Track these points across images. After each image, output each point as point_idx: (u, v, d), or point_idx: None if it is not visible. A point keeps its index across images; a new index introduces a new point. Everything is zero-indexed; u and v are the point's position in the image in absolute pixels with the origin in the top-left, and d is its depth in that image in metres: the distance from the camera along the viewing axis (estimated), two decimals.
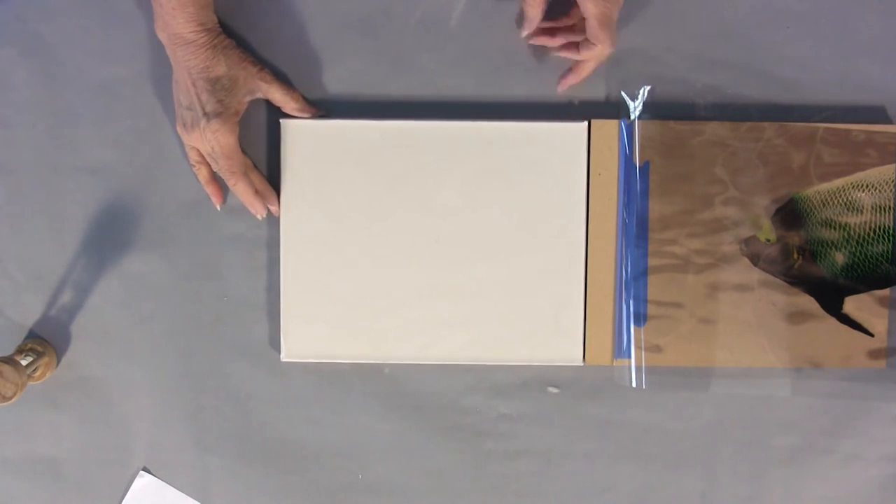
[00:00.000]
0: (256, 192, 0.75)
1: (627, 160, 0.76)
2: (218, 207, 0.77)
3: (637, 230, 0.76)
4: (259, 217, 0.77)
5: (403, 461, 0.79)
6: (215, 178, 0.76)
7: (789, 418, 0.78)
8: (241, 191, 0.75)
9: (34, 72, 0.77)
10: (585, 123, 0.76)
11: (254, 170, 0.76)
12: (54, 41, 0.77)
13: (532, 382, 0.78)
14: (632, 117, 0.76)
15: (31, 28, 0.77)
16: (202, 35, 0.71)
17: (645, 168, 0.76)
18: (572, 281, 0.76)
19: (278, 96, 0.75)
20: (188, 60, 0.71)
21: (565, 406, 0.78)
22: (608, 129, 0.76)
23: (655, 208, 0.76)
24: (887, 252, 0.76)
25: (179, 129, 0.74)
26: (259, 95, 0.75)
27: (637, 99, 0.76)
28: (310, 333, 0.77)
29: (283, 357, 0.77)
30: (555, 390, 0.78)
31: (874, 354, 0.76)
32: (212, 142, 0.72)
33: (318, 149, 0.76)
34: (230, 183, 0.74)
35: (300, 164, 0.76)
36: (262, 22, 0.76)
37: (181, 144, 0.77)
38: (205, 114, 0.71)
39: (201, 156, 0.75)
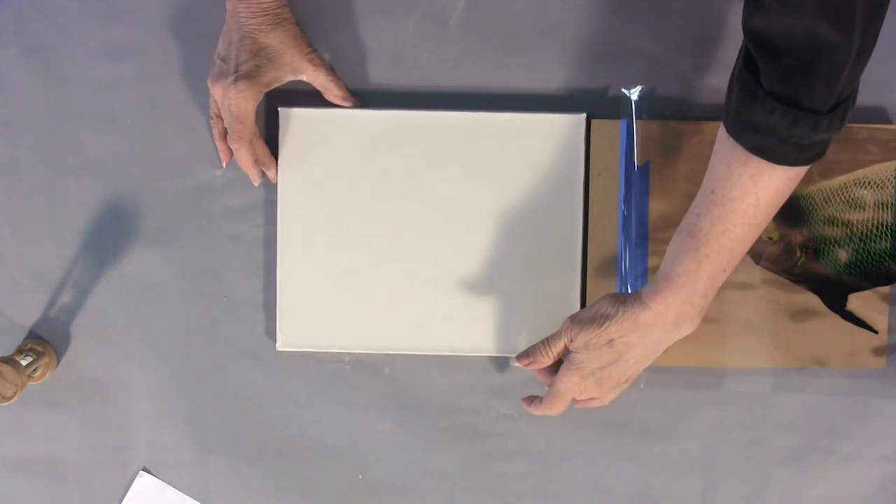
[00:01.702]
0: (256, 161, 0.75)
1: (628, 160, 0.76)
2: (223, 165, 0.77)
3: (638, 230, 0.76)
4: (255, 184, 0.76)
5: (403, 461, 0.79)
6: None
7: (789, 418, 0.78)
8: (243, 157, 0.74)
9: (34, 72, 0.77)
10: (584, 115, 0.76)
11: (259, 138, 0.75)
12: (54, 41, 0.77)
13: (532, 382, 0.78)
14: (632, 117, 0.76)
15: (31, 28, 0.77)
16: None
17: (645, 168, 0.76)
18: (570, 270, 0.76)
19: (322, 81, 0.75)
20: (245, 17, 0.70)
21: None
22: (608, 128, 0.76)
23: (656, 208, 0.76)
24: (890, 248, 0.76)
25: (210, 78, 0.73)
26: (303, 77, 0.75)
27: (637, 98, 0.76)
28: (306, 323, 0.77)
29: (279, 346, 0.77)
30: None
31: (878, 351, 0.76)
32: (232, 100, 0.71)
33: (316, 138, 0.76)
34: (233, 146, 0.73)
35: (297, 153, 0.76)
36: None
37: (181, 143, 0.77)
38: (236, 71, 0.71)
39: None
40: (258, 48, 0.71)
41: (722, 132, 0.62)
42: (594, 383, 0.68)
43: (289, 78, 0.74)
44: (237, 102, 0.71)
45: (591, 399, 0.70)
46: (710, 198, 0.63)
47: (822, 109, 0.57)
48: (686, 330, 0.67)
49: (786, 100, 0.57)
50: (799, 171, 0.61)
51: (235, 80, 0.71)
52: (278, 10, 0.71)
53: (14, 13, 0.77)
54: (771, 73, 0.57)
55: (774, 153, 0.59)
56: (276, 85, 0.74)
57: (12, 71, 0.78)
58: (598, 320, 0.67)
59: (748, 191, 0.61)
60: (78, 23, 0.77)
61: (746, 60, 0.59)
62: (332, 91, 0.76)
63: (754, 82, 0.58)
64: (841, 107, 0.58)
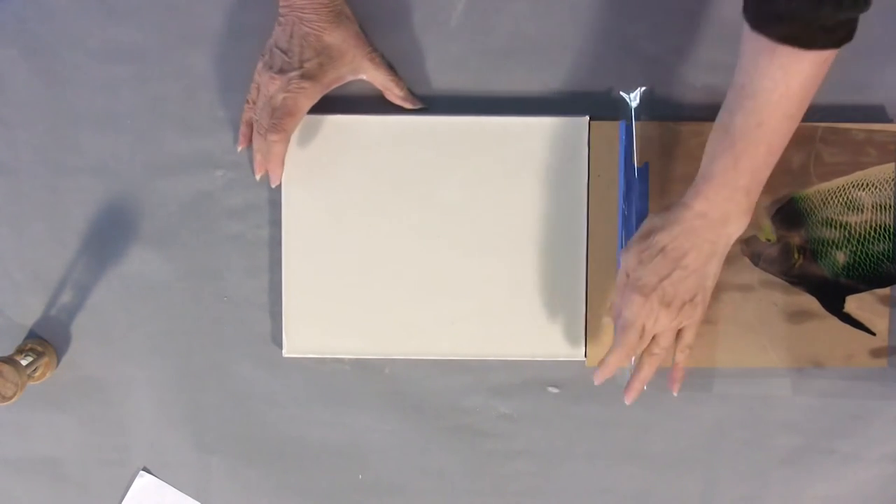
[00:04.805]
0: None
1: (627, 161, 0.76)
2: (238, 149, 0.77)
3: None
4: (256, 177, 0.75)
5: (403, 461, 0.79)
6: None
7: (789, 418, 0.78)
8: (277, 151, 0.72)
9: (34, 72, 0.77)
10: (587, 118, 0.76)
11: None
12: (54, 41, 0.77)
13: (532, 382, 0.78)
14: (631, 118, 0.76)
15: (31, 28, 0.77)
16: None
17: (644, 169, 0.76)
18: (574, 275, 0.76)
19: (383, 81, 0.75)
20: (306, 15, 0.70)
21: (565, 406, 0.78)
22: (607, 130, 0.76)
23: (655, 209, 0.76)
24: (888, 251, 0.76)
25: (260, 65, 0.72)
26: (363, 76, 0.74)
27: (635, 100, 0.76)
28: (312, 329, 0.77)
29: (286, 352, 0.77)
30: (555, 390, 0.78)
31: (876, 353, 0.76)
32: (290, 94, 0.70)
33: (320, 144, 0.76)
34: (273, 138, 0.72)
35: (301, 159, 0.76)
36: (264, 22, 0.76)
37: (181, 143, 0.78)
38: (301, 68, 0.70)
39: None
40: (322, 46, 0.71)
41: (746, 30, 0.62)
42: (659, 303, 0.67)
43: (349, 78, 0.74)
44: (296, 97, 0.70)
45: (673, 335, 0.69)
46: (741, 92, 0.62)
47: None
48: (734, 229, 0.66)
49: None
50: (827, 56, 0.61)
51: (301, 77, 0.70)
52: (340, 8, 0.71)
53: (14, 13, 0.77)
54: None
55: (801, 39, 0.59)
56: (336, 85, 0.73)
57: (12, 71, 0.78)
58: (646, 234, 0.67)
59: (778, 81, 0.61)
60: (78, 23, 0.77)
61: None
62: (392, 91, 0.75)
63: None
64: None
